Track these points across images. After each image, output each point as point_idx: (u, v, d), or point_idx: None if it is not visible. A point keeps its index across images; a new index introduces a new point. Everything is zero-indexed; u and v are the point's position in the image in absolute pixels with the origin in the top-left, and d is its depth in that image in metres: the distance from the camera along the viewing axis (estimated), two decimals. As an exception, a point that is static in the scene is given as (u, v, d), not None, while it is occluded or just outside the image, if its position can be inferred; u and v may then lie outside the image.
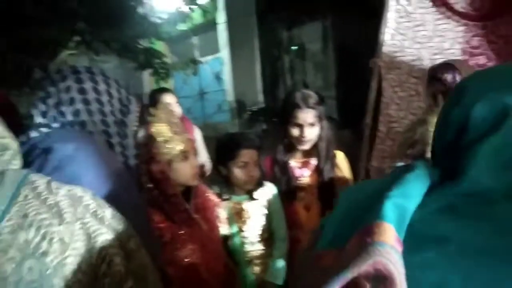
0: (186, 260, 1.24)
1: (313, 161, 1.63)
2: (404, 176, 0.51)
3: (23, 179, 0.68)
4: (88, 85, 0.99)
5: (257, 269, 1.52)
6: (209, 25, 5.57)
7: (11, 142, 0.72)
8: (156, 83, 3.99)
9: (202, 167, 2.51)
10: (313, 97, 1.58)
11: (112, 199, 0.79)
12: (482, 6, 2.21)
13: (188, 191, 1.32)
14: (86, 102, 0.98)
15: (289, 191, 1.61)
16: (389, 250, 0.41)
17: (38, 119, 0.95)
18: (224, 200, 1.53)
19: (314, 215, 1.58)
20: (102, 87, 1.01)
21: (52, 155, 0.81)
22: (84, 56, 4.32)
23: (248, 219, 1.54)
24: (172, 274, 1.19)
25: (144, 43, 3.81)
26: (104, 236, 0.70)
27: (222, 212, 1.47)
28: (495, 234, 0.44)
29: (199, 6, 3.75)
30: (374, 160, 2.42)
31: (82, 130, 0.96)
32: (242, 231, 1.53)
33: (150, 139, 1.21)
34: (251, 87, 5.45)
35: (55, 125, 0.95)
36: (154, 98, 2.75)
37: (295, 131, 1.57)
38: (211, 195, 1.46)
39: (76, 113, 0.96)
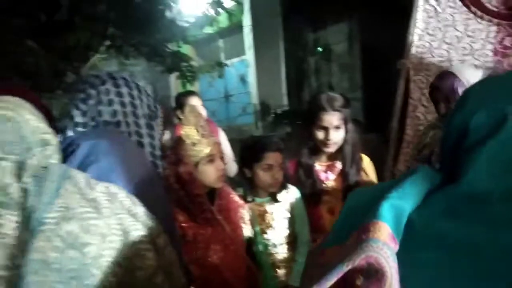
0: (208, 259, 1.26)
1: (338, 165, 1.62)
2: (405, 179, 0.55)
3: (64, 173, 0.71)
4: (124, 90, 1.10)
5: (280, 272, 1.53)
6: (235, 28, 5.62)
7: (52, 138, 0.76)
8: (182, 86, 4.06)
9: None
10: (338, 100, 1.57)
11: (139, 194, 0.83)
12: (517, 5, 2.14)
13: (212, 193, 1.35)
14: (122, 104, 1.08)
15: (313, 195, 1.60)
16: (382, 246, 0.45)
17: (78, 119, 1.05)
18: (248, 202, 1.55)
19: (339, 219, 1.57)
20: (135, 92, 1.12)
21: (82, 150, 0.85)
22: (113, 60, 4.46)
23: (271, 221, 1.54)
24: (194, 273, 1.21)
25: (171, 47, 3.88)
26: (138, 231, 0.73)
27: (245, 213, 1.49)
28: (492, 235, 0.46)
29: (226, 9, 3.79)
30: (400, 164, 2.38)
31: (116, 129, 1.05)
32: (265, 233, 1.54)
33: (179, 141, 1.24)
34: (275, 89, 5.46)
35: (92, 123, 1.05)
36: (180, 101, 2.81)
37: (320, 134, 1.57)
38: (235, 197, 1.48)
39: (114, 113, 1.07)
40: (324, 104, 1.54)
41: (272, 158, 1.51)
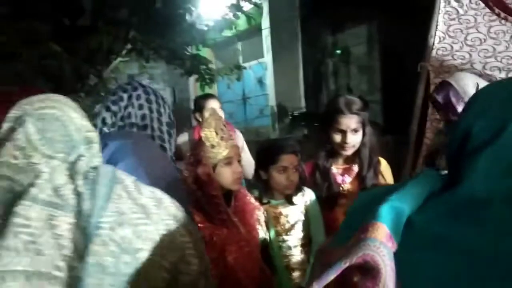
0: (223, 260, 1.27)
1: (355, 168, 1.61)
2: (406, 182, 0.58)
3: (113, 177, 0.74)
4: (152, 97, 1.22)
5: (295, 275, 1.53)
6: (254, 31, 5.65)
7: (96, 137, 0.79)
8: (201, 89, 4.10)
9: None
10: (356, 103, 1.57)
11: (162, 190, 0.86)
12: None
13: (229, 195, 1.36)
14: (150, 110, 1.20)
15: (329, 198, 1.60)
16: (379, 246, 0.48)
17: (108, 119, 1.16)
18: (263, 204, 1.56)
19: (355, 222, 1.56)
20: (160, 101, 1.24)
21: (109, 149, 0.89)
22: (134, 63, 4.55)
23: (286, 224, 1.55)
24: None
25: (191, 50, 3.94)
26: (184, 237, 0.75)
27: (261, 215, 1.50)
28: (490, 237, 0.47)
29: (244, 13, 3.82)
30: (419, 168, 2.34)
31: (140, 132, 1.15)
32: (281, 235, 1.54)
33: (199, 143, 1.27)
34: (293, 91, 5.45)
35: (121, 123, 1.16)
36: (199, 104, 2.83)
37: (337, 137, 1.56)
38: (251, 199, 1.49)
39: (143, 117, 1.18)
40: (342, 107, 1.54)
41: (287, 160, 1.52)
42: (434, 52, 2.38)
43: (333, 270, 0.47)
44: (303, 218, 1.57)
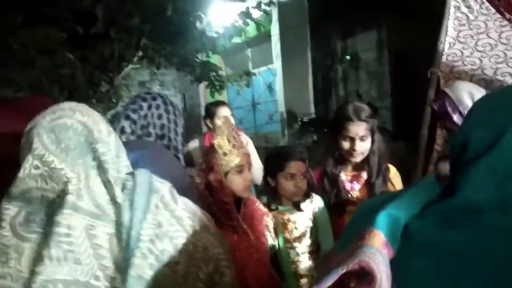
0: (233, 265, 1.28)
1: (364, 175, 1.61)
2: (404, 190, 0.59)
3: (151, 186, 0.75)
4: (170, 108, 1.25)
5: (303, 281, 1.53)
6: (263, 38, 5.68)
7: (108, 132, 0.78)
8: (211, 95, 4.13)
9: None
10: (365, 110, 1.57)
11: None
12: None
13: (238, 201, 1.38)
14: (169, 120, 1.23)
15: (338, 205, 1.60)
16: (375, 252, 0.49)
17: (128, 129, 1.19)
18: (272, 210, 1.56)
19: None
20: (176, 112, 1.27)
21: (129, 159, 0.91)
22: (145, 70, 4.61)
23: (294, 230, 1.55)
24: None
25: (201, 57, 3.98)
26: (217, 249, 0.77)
27: (270, 222, 1.51)
28: (484, 244, 0.49)
29: (254, 20, 3.85)
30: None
31: (159, 142, 1.18)
32: (289, 242, 1.55)
33: (211, 150, 1.29)
34: (302, 97, 5.46)
35: (140, 132, 1.19)
36: (210, 110, 2.85)
37: (346, 144, 1.57)
38: (260, 206, 1.50)
39: (162, 127, 1.21)
40: (350, 114, 1.54)
41: (294, 167, 1.53)
42: (444, 58, 2.37)
43: (331, 276, 0.48)
44: (311, 224, 1.57)
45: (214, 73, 3.95)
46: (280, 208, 1.59)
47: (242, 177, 1.33)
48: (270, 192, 1.60)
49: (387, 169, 1.62)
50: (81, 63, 3.35)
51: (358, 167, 1.63)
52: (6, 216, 0.68)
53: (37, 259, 0.64)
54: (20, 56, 3.11)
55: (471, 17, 2.32)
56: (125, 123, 1.20)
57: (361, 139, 1.55)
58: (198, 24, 3.63)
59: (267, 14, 4.65)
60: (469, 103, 1.62)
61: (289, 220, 1.56)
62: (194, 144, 2.80)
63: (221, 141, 1.29)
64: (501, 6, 2.23)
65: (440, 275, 0.49)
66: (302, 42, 5.31)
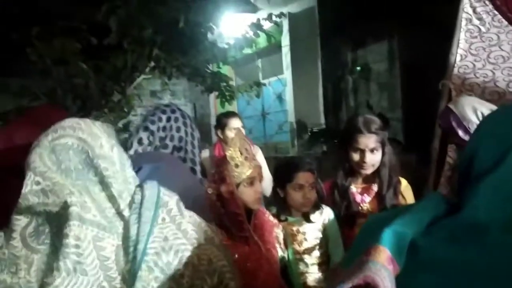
0: (243, 278, 1.28)
1: (375, 187, 1.60)
2: (410, 206, 0.61)
3: (158, 199, 0.76)
4: (188, 121, 1.29)
5: (313, 293, 1.52)
6: (273, 48, 5.72)
7: (111, 146, 0.80)
8: (221, 105, 4.16)
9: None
10: (375, 122, 1.57)
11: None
12: None
13: (248, 213, 1.38)
14: (186, 133, 1.26)
15: (348, 217, 1.59)
16: (380, 268, 0.50)
17: (145, 140, 1.21)
18: (281, 221, 1.56)
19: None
20: (193, 126, 1.30)
21: (144, 172, 0.93)
22: (157, 80, 4.67)
23: (304, 241, 1.55)
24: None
25: (212, 68, 4.02)
26: (221, 261, 0.78)
27: (279, 233, 1.50)
28: (489, 262, 0.49)
29: (264, 31, 3.89)
30: (441, 187, 2.29)
31: (175, 153, 1.22)
32: (298, 253, 1.54)
33: (223, 162, 1.30)
34: (312, 108, 5.46)
35: (157, 143, 1.21)
36: (222, 121, 2.87)
37: (356, 156, 1.56)
38: (270, 217, 1.50)
39: (180, 139, 1.24)
40: (360, 126, 1.54)
41: (303, 178, 1.53)
42: (455, 70, 2.36)
43: None
44: (321, 236, 1.56)
45: (224, 84, 3.98)
46: (290, 219, 1.58)
47: (253, 189, 1.33)
48: (280, 203, 1.60)
49: (398, 181, 1.61)
50: (94, 73, 3.41)
51: (368, 180, 1.63)
52: (17, 227, 0.70)
53: (47, 270, 0.65)
54: (37, 67, 3.19)
55: (483, 29, 2.31)
56: (143, 135, 1.23)
57: (371, 151, 1.54)
58: (209, 36, 3.69)
59: (278, 25, 4.70)
60: (473, 118, 1.62)
61: (298, 231, 1.56)
62: (204, 154, 2.81)
63: (233, 153, 1.30)
64: (514, 18, 2.22)
65: None
66: (312, 53, 5.33)
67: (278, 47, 5.65)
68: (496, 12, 2.31)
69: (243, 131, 2.78)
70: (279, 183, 1.59)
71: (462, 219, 0.55)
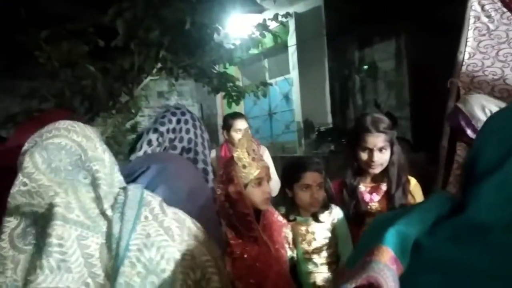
0: (253, 277, 1.29)
1: (384, 186, 1.60)
2: (414, 206, 0.60)
3: (141, 199, 0.77)
4: (197, 123, 1.30)
5: (322, 293, 1.51)
6: (280, 48, 5.72)
7: (104, 154, 0.82)
8: (228, 105, 4.17)
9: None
10: (384, 121, 1.56)
11: (198, 215, 0.90)
12: None
13: (257, 213, 1.38)
14: (196, 135, 1.28)
15: (357, 216, 1.59)
16: (383, 268, 0.50)
17: (155, 142, 1.24)
18: (290, 221, 1.57)
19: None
20: (203, 128, 1.32)
21: (151, 172, 0.94)
22: (164, 81, 4.69)
23: (313, 241, 1.55)
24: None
25: (218, 68, 4.03)
26: (204, 256, 0.78)
27: (289, 233, 1.51)
28: (493, 262, 0.49)
29: (271, 32, 3.89)
30: (450, 186, 2.28)
31: (185, 155, 1.23)
32: (307, 253, 1.54)
33: (231, 163, 1.31)
34: (319, 107, 5.45)
35: (167, 145, 1.24)
36: (228, 122, 2.89)
37: (364, 155, 1.56)
38: (279, 217, 1.50)
39: (189, 141, 1.26)
40: (368, 125, 1.54)
41: (310, 178, 1.53)
42: (464, 68, 2.34)
43: None
44: (330, 235, 1.56)
45: (231, 84, 3.99)
46: (299, 219, 1.58)
47: (261, 190, 1.34)
48: (288, 203, 1.60)
49: (407, 181, 1.60)
50: (102, 75, 3.44)
51: (377, 179, 1.62)
52: (6, 228, 0.73)
53: (31, 269, 0.67)
54: (45, 69, 3.22)
55: (491, 27, 2.29)
56: (153, 136, 1.25)
57: (380, 151, 1.54)
58: (215, 36, 3.69)
59: (284, 25, 4.69)
60: (481, 117, 1.60)
61: (307, 231, 1.56)
62: (211, 154, 2.83)
63: (240, 154, 1.30)
64: (523, 15, 2.19)
65: None
66: (319, 52, 5.32)
67: (285, 47, 5.65)
68: (505, 10, 2.29)
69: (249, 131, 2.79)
70: (287, 183, 1.59)
71: (466, 218, 0.55)
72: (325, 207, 1.57)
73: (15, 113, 3.39)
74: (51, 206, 0.70)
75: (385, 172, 1.58)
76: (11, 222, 0.73)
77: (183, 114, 1.30)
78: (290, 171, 1.60)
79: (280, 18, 3.95)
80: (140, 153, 1.23)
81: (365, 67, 5.13)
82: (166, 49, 3.39)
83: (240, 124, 2.83)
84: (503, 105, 1.57)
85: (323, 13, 5.22)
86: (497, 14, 2.30)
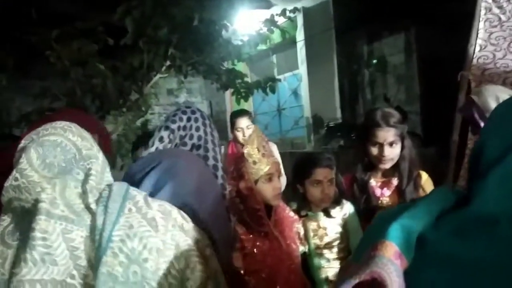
0: (264, 272, 1.30)
1: (395, 181, 1.59)
2: (418, 200, 0.59)
3: (126, 193, 0.80)
4: (207, 122, 1.35)
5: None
6: (288, 44, 5.70)
7: (95, 154, 0.85)
8: (237, 102, 4.18)
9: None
10: (394, 116, 1.55)
11: (207, 208, 0.94)
12: None
13: (268, 209, 1.39)
14: (205, 132, 1.32)
15: (368, 211, 1.58)
16: (386, 263, 0.49)
17: (166, 138, 1.29)
18: (302, 217, 1.57)
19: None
20: (213, 126, 1.36)
21: (163, 166, 0.96)
22: (173, 78, 4.71)
23: (325, 236, 1.55)
24: (250, 284, 1.27)
25: (227, 65, 4.04)
26: (189, 246, 0.80)
27: (300, 228, 1.51)
28: (498, 255, 0.48)
29: (279, 27, 3.88)
30: (461, 180, 2.26)
31: (195, 151, 1.27)
32: (319, 248, 1.55)
33: (241, 159, 1.32)
34: (328, 102, 5.43)
35: (177, 141, 1.29)
36: (231, 120, 2.93)
37: (374, 150, 1.55)
38: (290, 212, 1.51)
39: (199, 138, 1.30)
40: (378, 120, 1.53)
41: (321, 174, 1.53)
42: (475, 61, 2.31)
43: (345, 286, 0.49)
44: (341, 230, 1.56)
45: (239, 80, 4.00)
46: (310, 214, 1.59)
47: (272, 185, 1.35)
48: (300, 199, 1.61)
49: (418, 175, 1.59)
50: (112, 74, 3.47)
51: (388, 173, 1.62)
52: (0, 227, 0.76)
53: (16, 262, 0.70)
54: (56, 68, 3.27)
55: (503, 18, 2.25)
56: (164, 133, 1.30)
57: (390, 145, 1.53)
58: (223, 33, 3.70)
59: (292, 20, 4.67)
60: None
61: (319, 226, 1.57)
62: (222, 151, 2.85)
63: (250, 150, 1.32)
64: (536, 6, 2.16)
65: (452, 287, 0.49)
66: (327, 47, 5.29)
67: (293, 42, 5.63)
68: (517, 0, 2.25)
69: (251, 130, 2.82)
70: (298, 179, 1.60)
71: (471, 211, 0.54)
72: (337, 202, 1.58)
73: (28, 112, 3.45)
74: (36, 201, 0.73)
75: (396, 166, 1.58)
76: (4, 221, 0.76)
77: (193, 112, 1.35)
78: (301, 166, 1.60)
79: (288, 13, 3.93)
80: (152, 149, 1.28)
81: (374, 61, 5.09)
82: (174, 47, 3.41)
83: (242, 123, 2.86)
84: None
85: (331, 7, 5.19)
86: (509, 5, 2.26)
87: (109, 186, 0.80)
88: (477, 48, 2.30)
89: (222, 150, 2.88)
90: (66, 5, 3.89)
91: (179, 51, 3.45)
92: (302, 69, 5.70)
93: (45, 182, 0.76)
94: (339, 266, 1.53)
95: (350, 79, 5.41)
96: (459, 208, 0.56)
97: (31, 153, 0.77)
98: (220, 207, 1.04)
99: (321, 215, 1.58)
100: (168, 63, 3.54)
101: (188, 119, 1.32)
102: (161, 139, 1.29)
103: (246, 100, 4.15)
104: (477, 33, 2.30)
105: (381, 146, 1.53)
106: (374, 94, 5.23)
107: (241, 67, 5.04)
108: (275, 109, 6.58)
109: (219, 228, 0.96)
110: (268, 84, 4.08)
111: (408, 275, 0.51)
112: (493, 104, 1.60)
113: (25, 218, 0.74)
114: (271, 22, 3.78)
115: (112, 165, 3.35)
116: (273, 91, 4.17)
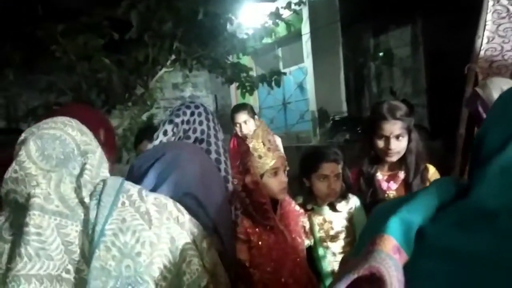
0: (270, 266, 1.30)
1: (401, 175, 1.58)
2: (417, 193, 0.58)
3: (120, 187, 0.81)
4: (210, 117, 1.38)
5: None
6: (294, 37, 5.68)
7: (93, 148, 0.85)
8: (242, 95, 4.17)
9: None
10: (401, 109, 1.54)
11: (209, 199, 0.95)
12: None
13: (274, 202, 1.40)
14: (208, 127, 1.36)
15: (374, 204, 1.57)
16: (385, 257, 0.49)
17: (170, 132, 1.34)
18: (308, 210, 1.57)
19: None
20: (216, 121, 1.40)
21: (167, 158, 0.98)
22: (178, 73, 4.71)
23: (331, 230, 1.55)
24: (255, 277, 1.27)
25: (232, 59, 4.02)
26: (184, 239, 0.80)
27: (306, 222, 1.52)
28: (498, 248, 0.48)
29: (284, 20, 3.85)
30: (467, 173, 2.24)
31: (198, 145, 1.31)
32: (325, 242, 1.55)
33: (247, 153, 1.32)
34: (334, 96, 5.41)
35: (181, 135, 1.33)
36: (231, 115, 2.95)
37: (381, 143, 1.54)
38: (296, 206, 1.51)
39: (202, 132, 1.34)
40: (385, 113, 1.52)
41: (327, 168, 1.52)
42: (482, 53, 2.28)
43: (343, 281, 0.48)
44: (347, 224, 1.56)
45: (244, 74, 3.98)
46: (316, 208, 1.59)
47: (278, 180, 1.35)
48: (306, 193, 1.61)
49: (425, 168, 1.58)
50: (117, 68, 3.48)
51: (395, 167, 1.61)
52: None
53: (12, 256, 0.71)
54: (62, 63, 3.28)
55: (511, 9, 2.22)
56: (168, 127, 1.34)
57: (397, 138, 1.52)
58: (228, 26, 3.68)
59: (297, 13, 4.64)
60: None
61: (325, 220, 1.57)
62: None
63: (256, 144, 1.32)
64: (545, -4, 2.12)
65: (452, 280, 0.48)
66: (333, 40, 5.26)
67: (298, 35, 5.60)
68: (526, -9, 2.22)
69: (251, 125, 2.82)
70: (304, 173, 1.59)
71: (470, 203, 0.53)
72: (343, 196, 1.57)
73: (35, 107, 3.47)
74: (29, 196, 0.74)
75: (403, 160, 1.57)
76: (1, 216, 0.77)
77: (197, 107, 1.39)
78: (308, 160, 1.59)
79: (293, 6, 3.90)
80: (156, 142, 1.33)
81: (381, 54, 5.06)
82: (179, 41, 3.40)
83: (239, 118, 2.88)
84: None
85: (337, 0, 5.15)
86: (518, -4, 2.23)
87: (104, 180, 0.81)
88: (485, 40, 2.27)
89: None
90: (71, 0, 3.89)
91: (184, 45, 3.44)
92: (308, 62, 5.68)
93: (41, 176, 0.76)
94: (345, 259, 1.54)
95: (356, 73, 5.38)
96: (459, 200, 0.56)
97: (30, 145, 0.78)
98: (222, 197, 1.06)
99: (326, 209, 1.58)
100: (173, 57, 3.53)
101: (192, 114, 1.36)
102: (165, 133, 1.33)
103: (251, 94, 4.14)
104: (485, 25, 2.27)
105: (387, 139, 1.52)
106: (380, 87, 5.20)
107: (246, 60, 5.03)
108: (280, 103, 6.56)
109: (221, 219, 0.96)
110: (273, 78, 4.06)
111: (408, 268, 0.50)
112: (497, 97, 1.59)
113: (20, 212, 0.74)
114: (276, 15, 3.76)
115: (118, 159, 3.38)
116: (278, 84, 4.16)
